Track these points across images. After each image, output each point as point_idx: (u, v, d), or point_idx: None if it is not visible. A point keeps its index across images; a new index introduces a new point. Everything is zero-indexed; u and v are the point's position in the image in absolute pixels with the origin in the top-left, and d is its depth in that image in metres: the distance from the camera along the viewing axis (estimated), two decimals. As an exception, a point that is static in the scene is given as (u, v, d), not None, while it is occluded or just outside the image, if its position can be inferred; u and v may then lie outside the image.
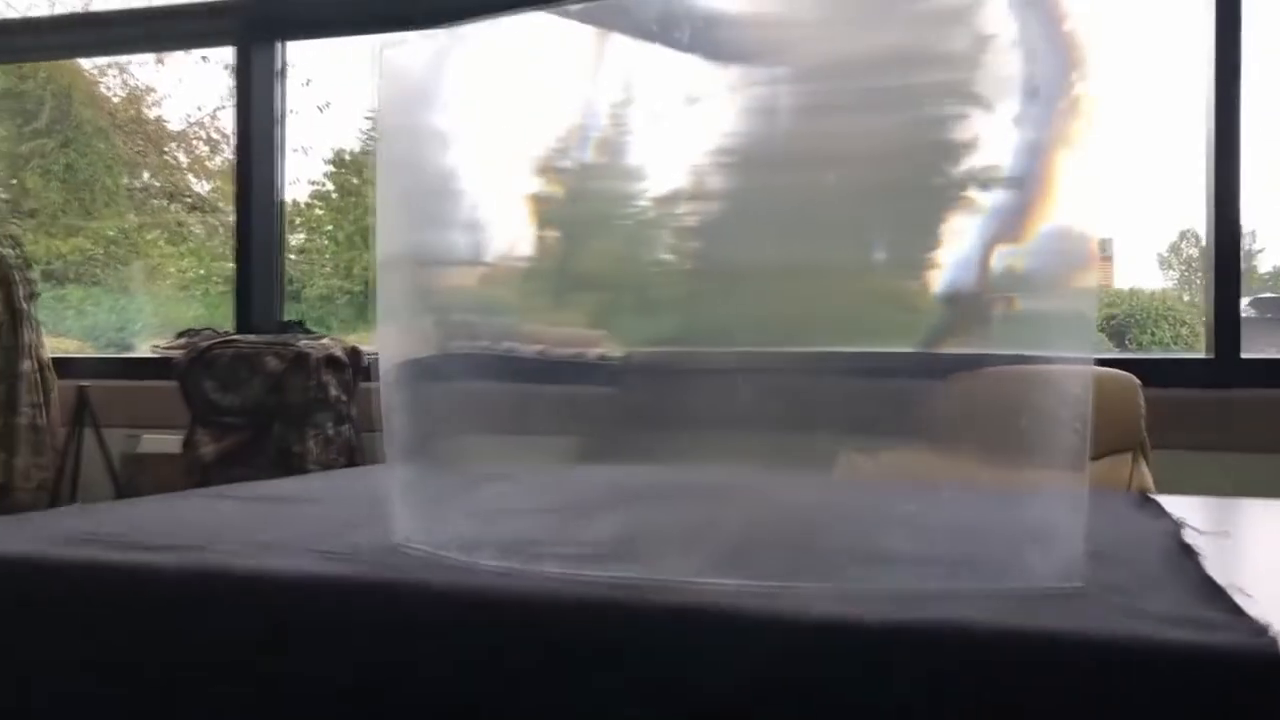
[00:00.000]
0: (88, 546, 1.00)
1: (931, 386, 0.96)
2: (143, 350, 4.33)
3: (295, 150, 4.21)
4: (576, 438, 1.12)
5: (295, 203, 4.56)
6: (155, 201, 5.13)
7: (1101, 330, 4.05)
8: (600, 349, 1.07)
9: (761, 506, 1.05)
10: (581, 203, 1.08)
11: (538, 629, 0.81)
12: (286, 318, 3.93)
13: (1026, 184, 0.93)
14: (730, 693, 0.76)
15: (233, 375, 3.23)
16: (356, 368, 3.39)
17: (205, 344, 3.32)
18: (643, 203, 1.03)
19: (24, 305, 3.19)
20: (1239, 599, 0.78)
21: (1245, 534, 1.35)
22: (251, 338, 3.39)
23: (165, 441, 3.55)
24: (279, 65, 3.99)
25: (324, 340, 3.42)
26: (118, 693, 0.91)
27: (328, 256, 4.84)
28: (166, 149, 5.09)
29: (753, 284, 0.99)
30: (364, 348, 3.48)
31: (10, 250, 3.21)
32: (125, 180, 5.08)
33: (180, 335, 4.05)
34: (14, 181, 4.86)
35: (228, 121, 4.60)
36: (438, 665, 0.83)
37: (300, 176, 4.69)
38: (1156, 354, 3.57)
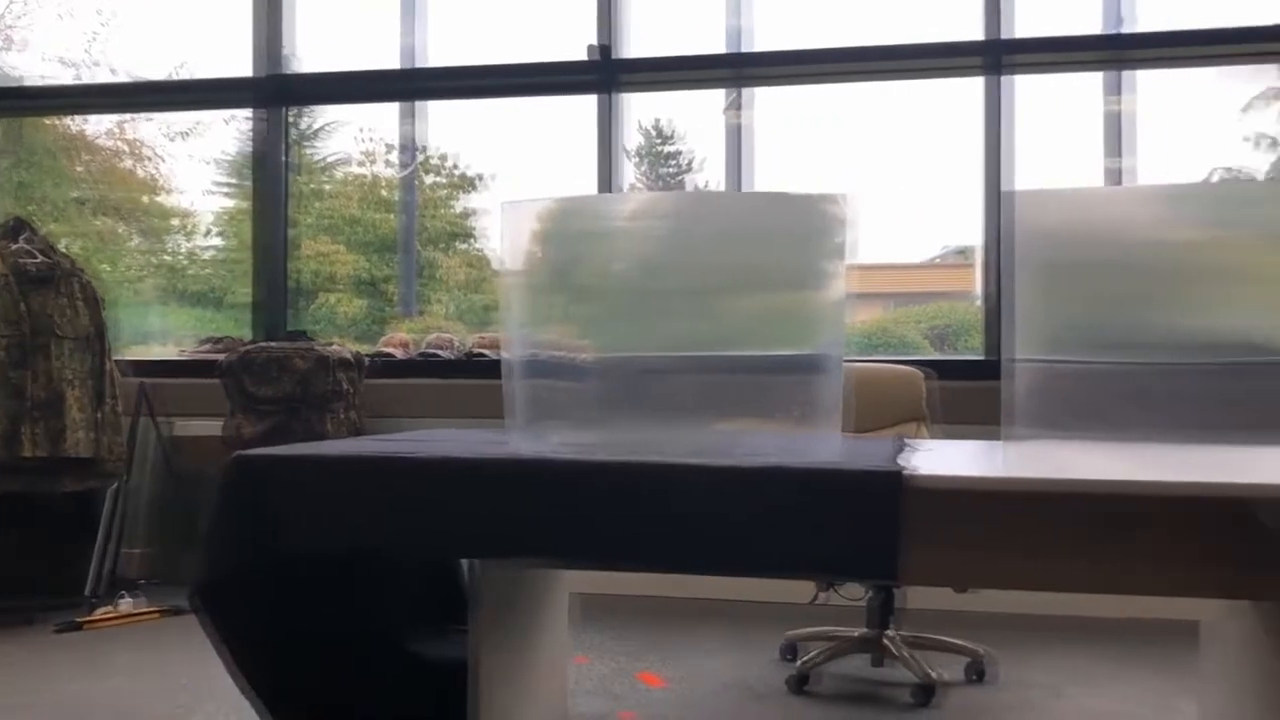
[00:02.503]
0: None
1: (778, 380, 2.10)
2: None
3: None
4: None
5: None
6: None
7: (925, 337, 5.32)
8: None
9: (689, 435, 2.17)
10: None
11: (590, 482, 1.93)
12: (289, 328, 4.95)
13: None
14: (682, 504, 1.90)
15: (267, 373, 4.23)
16: (360, 367, 4.44)
17: (243, 349, 4.33)
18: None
19: (102, 318, 4.15)
20: (908, 462, 1.94)
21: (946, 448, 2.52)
22: (278, 344, 4.39)
23: (196, 426, 4.54)
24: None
25: (334, 345, 4.45)
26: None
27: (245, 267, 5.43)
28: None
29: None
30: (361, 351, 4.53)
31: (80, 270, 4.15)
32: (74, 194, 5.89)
33: (204, 342, 5.04)
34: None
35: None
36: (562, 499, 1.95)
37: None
38: (949, 355, 4.81)
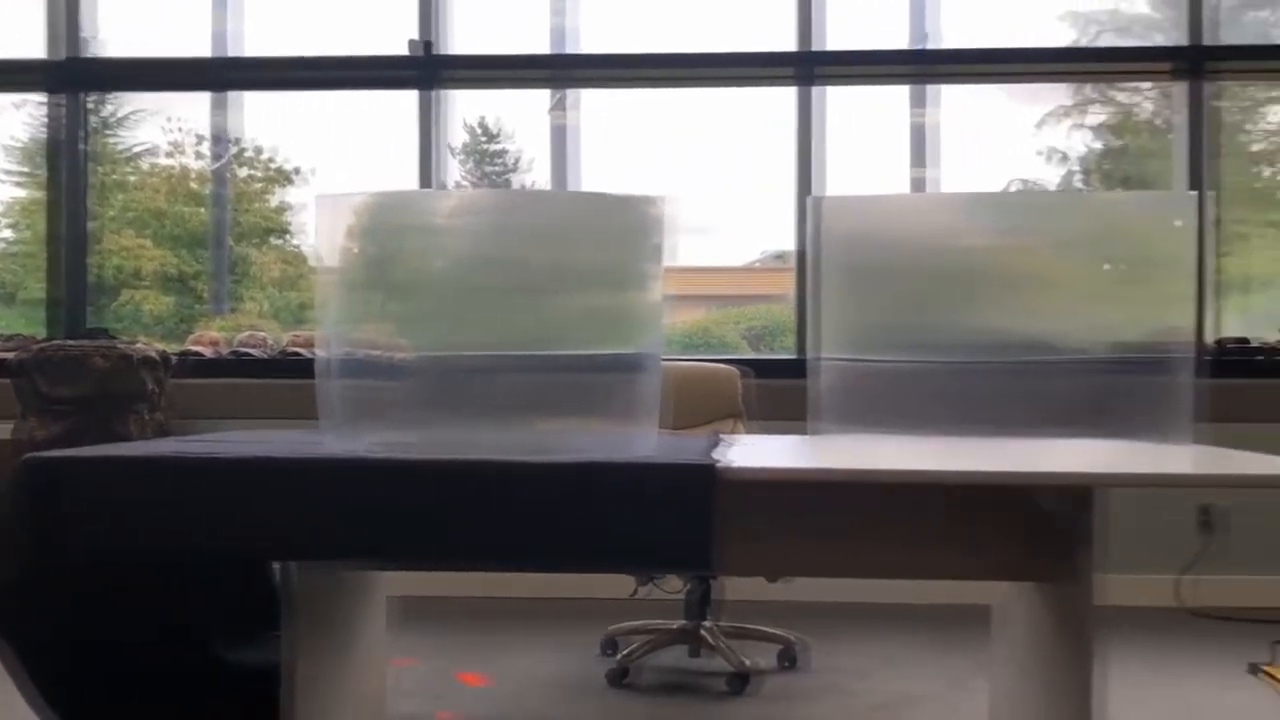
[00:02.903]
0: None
1: (598, 378, 2.13)
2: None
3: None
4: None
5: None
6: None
7: (744, 338, 5.48)
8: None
9: (509, 433, 2.18)
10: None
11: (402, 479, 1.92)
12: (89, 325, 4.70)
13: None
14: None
15: (63, 372, 4.01)
16: (166, 366, 4.25)
17: (37, 346, 4.09)
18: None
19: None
20: (722, 456, 2.00)
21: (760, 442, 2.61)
22: (76, 342, 4.17)
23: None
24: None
25: (139, 344, 4.25)
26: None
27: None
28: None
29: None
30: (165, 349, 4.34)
31: None
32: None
33: (-6, 340, 4.73)
34: None
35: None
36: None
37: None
38: (765, 355, 4.97)
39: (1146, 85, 4.99)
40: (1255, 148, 5.09)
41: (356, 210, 2.21)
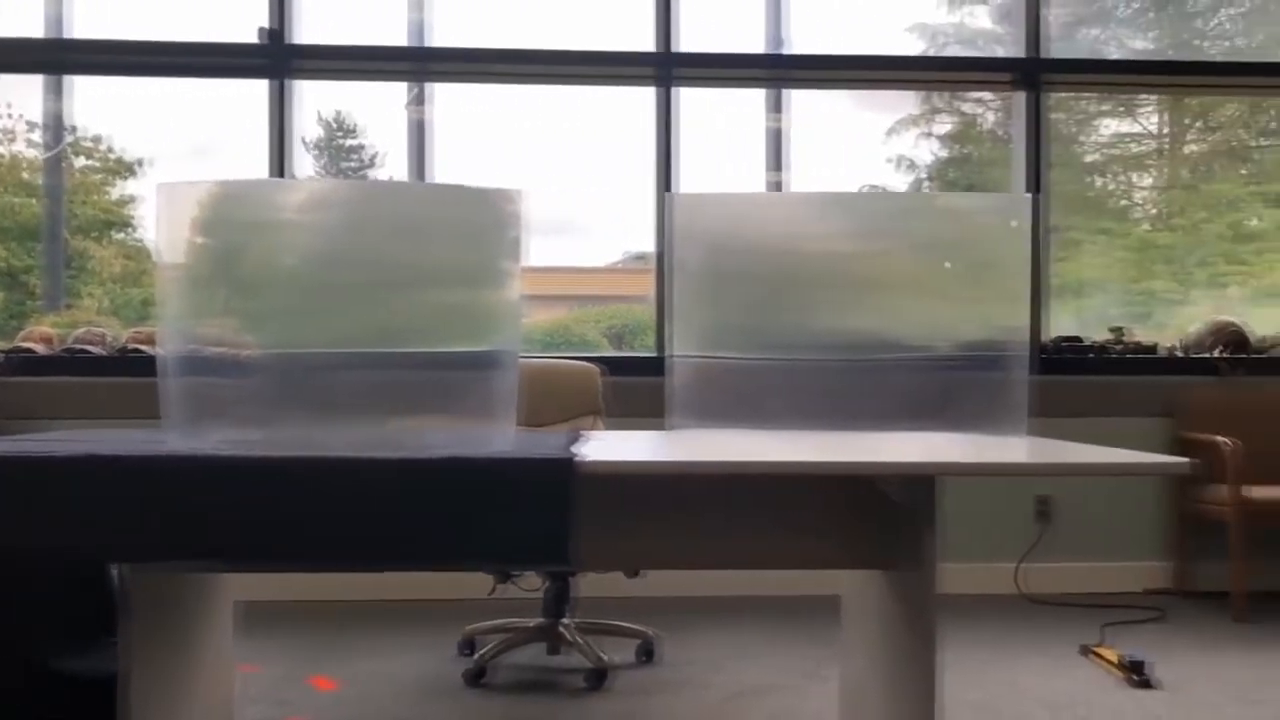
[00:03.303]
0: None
1: (453, 375, 2.10)
2: None
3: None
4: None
5: None
6: None
7: (605, 336, 5.51)
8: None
9: (361, 431, 2.13)
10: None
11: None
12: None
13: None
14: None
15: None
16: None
17: None
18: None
19: None
20: (579, 451, 1.99)
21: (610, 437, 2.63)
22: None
23: None
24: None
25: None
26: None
27: None
28: None
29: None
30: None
31: None
32: None
33: None
34: None
35: None
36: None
37: None
38: (625, 353, 5.01)
39: (989, 96, 5.22)
40: (1089, 159, 5.38)
41: (200, 201, 2.13)
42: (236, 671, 2.69)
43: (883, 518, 2.16)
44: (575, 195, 4.97)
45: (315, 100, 4.90)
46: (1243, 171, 5.26)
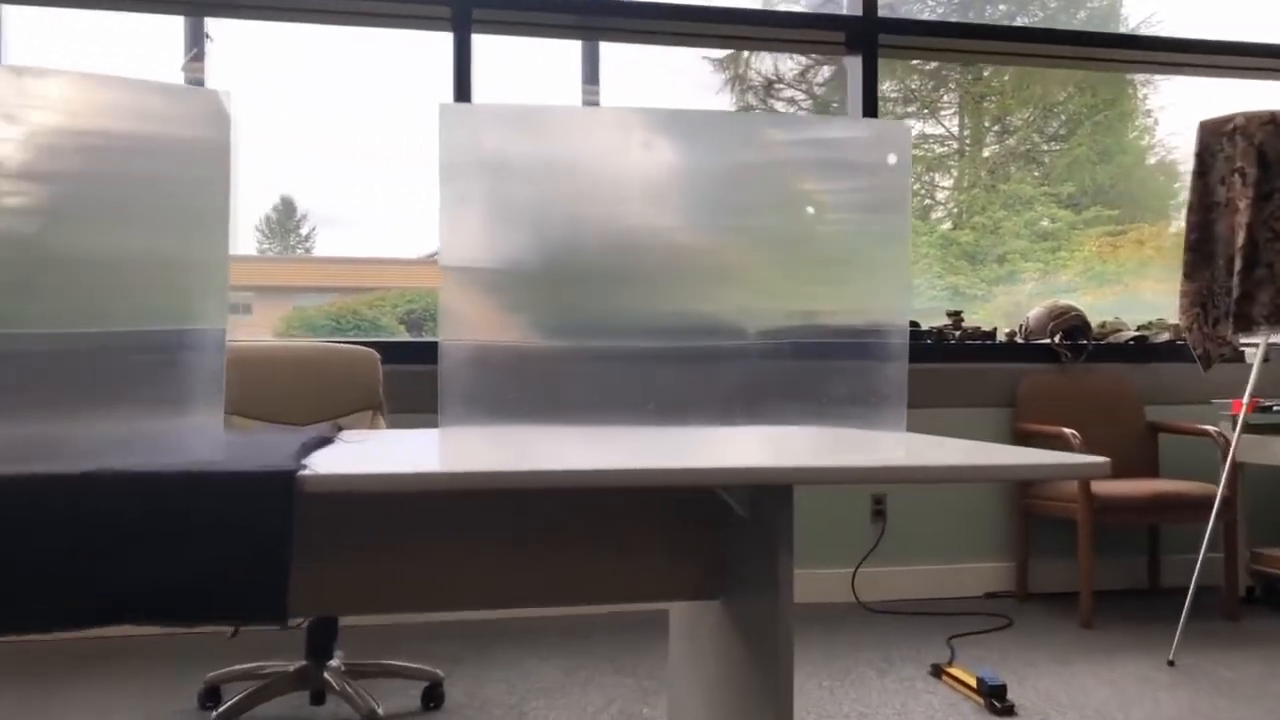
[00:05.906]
0: None
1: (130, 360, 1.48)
2: None
3: None
4: None
5: None
6: None
7: (401, 321, 4.88)
8: None
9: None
10: None
11: None
12: None
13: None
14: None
15: None
16: None
17: None
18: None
19: None
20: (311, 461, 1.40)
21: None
22: None
23: None
24: None
25: None
26: None
27: None
28: None
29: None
30: None
31: None
32: None
33: None
34: None
35: None
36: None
37: None
38: (420, 338, 4.40)
39: (820, 56, 4.84)
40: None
41: None
42: None
43: (726, 534, 1.65)
44: (374, 188, 4.39)
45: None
46: (1035, 174, 5.26)
